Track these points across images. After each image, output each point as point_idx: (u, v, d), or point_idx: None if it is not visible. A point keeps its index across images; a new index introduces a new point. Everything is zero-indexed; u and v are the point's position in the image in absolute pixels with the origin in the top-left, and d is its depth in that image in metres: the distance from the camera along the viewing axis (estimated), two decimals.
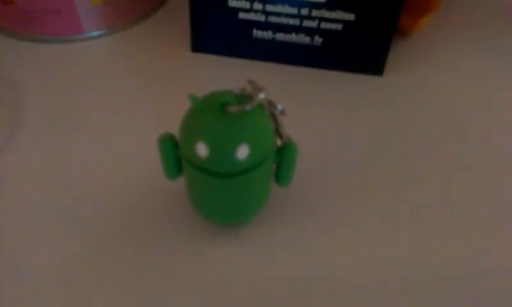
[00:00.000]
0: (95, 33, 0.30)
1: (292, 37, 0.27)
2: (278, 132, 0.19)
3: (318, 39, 0.27)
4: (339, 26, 0.26)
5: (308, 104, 0.26)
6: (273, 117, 0.18)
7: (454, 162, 0.23)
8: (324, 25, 0.27)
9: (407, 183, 0.22)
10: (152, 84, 0.27)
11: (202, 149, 0.16)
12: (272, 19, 0.27)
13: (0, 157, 0.23)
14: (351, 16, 0.26)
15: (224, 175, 0.17)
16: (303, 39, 0.27)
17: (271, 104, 0.18)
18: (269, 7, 0.26)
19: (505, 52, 0.30)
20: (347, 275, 0.19)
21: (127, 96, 0.26)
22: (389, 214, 0.21)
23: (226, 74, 0.28)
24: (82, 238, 0.20)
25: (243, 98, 0.16)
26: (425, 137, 0.25)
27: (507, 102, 0.27)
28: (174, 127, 0.24)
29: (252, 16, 0.27)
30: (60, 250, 0.20)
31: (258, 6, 0.26)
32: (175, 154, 0.18)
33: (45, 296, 0.18)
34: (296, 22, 0.27)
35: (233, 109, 0.16)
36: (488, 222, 0.21)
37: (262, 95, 0.16)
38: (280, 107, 0.18)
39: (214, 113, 0.16)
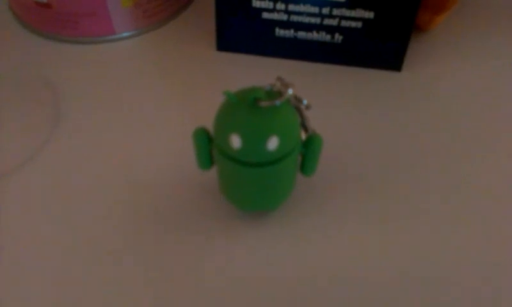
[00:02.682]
0: (126, 34, 0.31)
1: (314, 35, 0.29)
2: (304, 126, 0.20)
3: (338, 37, 0.28)
4: (359, 24, 0.28)
5: (329, 99, 0.27)
6: (299, 111, 0.20)
7: (471, 159, 0.24)
8: (344, 23, 0.28)
9: (426, 178, 0.24)
10: (180, 82, 0.29)
11: (236, 141, 0.17)
12: (295, 18, 0.28)
13: (40, 153, 0.25)
14: (370, 14, 0.27)
15: (255, 165, 0.18)
16: (324, 37, 0.28)
17: (298, 99, 0.19)
18: (292, 7, 0.28)
19: None
20: (364, 265, 0.20)
21: (157, 93, 0.28)
22: (410, 209, 0.22)
23: (250, 72, 0.29)
24: (124, 221, 0.22)
25: (273, 93, 0.18)
26: (443, 132, 0.26)
27: None
28: (203, 121, 0.26)
29: (275, 16, 0.28)
30: (108, 235, 0.21)
31: (281, 6, 0.28)
32: (208, 146, 0.20)
33: (95, 266, 0.20)
34: (317, 20, 0.28)
35: (264, 104, 0.17)
36: (498, 223, 0.22)
37: (290, 91, 0.17)
38: (305, 102, 0.19)
39: (247, 108, 0.17)
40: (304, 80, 0.29)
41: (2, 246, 0.21)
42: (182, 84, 0.28)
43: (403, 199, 0.23)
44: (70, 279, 0.20)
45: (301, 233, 0.21)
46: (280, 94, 0.18)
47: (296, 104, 0.19)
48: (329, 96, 0.28)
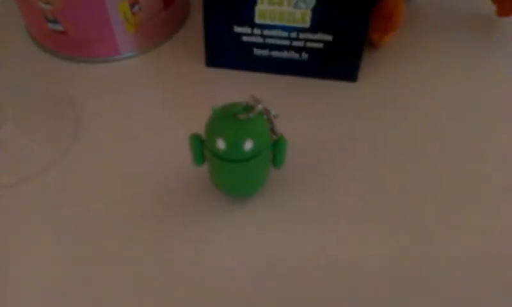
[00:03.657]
0: (129, 54, 0.38)
1: (285, 54, 0.35)
2: (273, 130, 0.26)
3: (304, 55, 0.35)
4: (321, 45, 0.34)
5: (298, 105, 0.34)
6: (269, 119, 0.26)
7: (415, 154, 0.31)
8: (308, 44, 0.34)
9: (378, 170, 0.30)
10: (176, 93, 0.35)
11: (221, 143, 0.24)
12: (269, 41, 0.34)
13: (63, 160, 0.31)
14: (329, 37, 0.34)
15: (235, 161, 0.25)
16: (293, 55, 0.35)
17: (267, 110, 0.26)
18: (266, 32, 0.34)
19: (456, 58, 0.37)
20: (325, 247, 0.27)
21: (157, 103, 0.34)
22: (362, 200, 0.29)
23: (233, 83, 0.36)
24: (134, 207, 0.28)
25: (248, 108, 0.24)
26: (391, 131, 0.32)
27: (461, 102, 0.34)
28: (196, 125, 0.32)
29: (253, 39, 0.35)
30: (126, 221, 0.28)
31: (257, 31, 0.34)
32: (200, 147, 0.26)
33: (109, 253, 0.26)
34: (287, 42, 0.34)
35: (241, 116, 0.24)
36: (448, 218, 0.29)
37: (260, 106, 0.24)
38: (273, 112, 0.26)
39: (228, 119, 0.24)
40: (278, 90, 0.35)
41: (23, 246, 0.27)
42: (177, 95, 0.35)
43: (352, 192, 0.29)
44: (73, 273, 0.27)
45: (274, 212, 0.28)
46: (252, 108, 0.24)
47: (266, 114, 0.26)
48: (298, 103, 0.34)
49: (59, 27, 0.35)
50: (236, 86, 0.35)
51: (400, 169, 0.30)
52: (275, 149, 0.26)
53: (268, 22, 0.33)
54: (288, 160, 0.30)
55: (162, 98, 0.35)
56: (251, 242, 0.27)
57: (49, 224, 0.28)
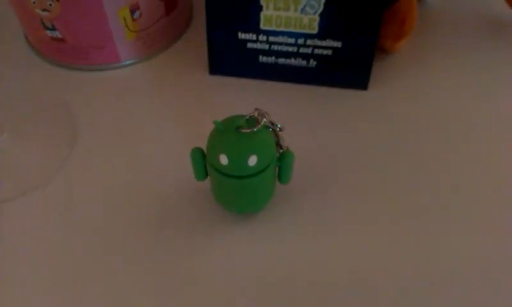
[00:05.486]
0: (130, 61, 0.36)
1: (291, 61, 0.33)
2: (278, 144, 0.25)
3: (312, 62, 0.33)
4: (329, 51, 0.32)
5: (305, 115, 0.32)
6: (275, 133, 0.25)
7: (427, 168, 0.29)
8: (316, 51, 0.33)
9: (388, 183, 0.29)
10: (178, 102, 0.33)
11: (224, 159, 0.22)
12: (275, 47, 0.33)
13: (61, 171, 0.30)
14: (338, 44, 0.32)
15: (239, 177, 0.23)
16: (300, 62, 0.33)
17: (273, 124, 0.24)
18: (272, 39, 0.32)
19: (475, 65, 0.35)
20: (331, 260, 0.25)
21: (158, 113, 0.33)
22: (373, 214, 0.27)
23: (238, 92, 0.34)
24: (132, 219, 0.27)
25: (252, 121, 0.23)
26: (404, 143, 0.31)
27: (478, 111, 0.32)
28: (198, 137, 0.31)
29: (258, 46, 0.33)
30: (123, 230, 0.26)
31: (263, 37, 0.33)
32: (202, 162, 0.25)
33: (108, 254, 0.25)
34: (294, 49, 0.33)
35: (244, 130, 0.22)
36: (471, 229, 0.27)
37: (265, 119, 0.22)
38: (279, 125, 0.24)
39: (231, 133, 0.22)
40: (285, 99, 0.34)
41: (23, 254, 0.26)
42: (179, 105, 0.33)
43: (366, 205, 0.28)
44: (73, 279, 0.25)
45: (279, 231, 0.26)
46: (257, 121, 0.22)
47: (272, 127, 0.24)
48: (305, 112, 0.32)
49: (57, 34, 0.34)
50: (241, 95, 0.34)
51: (414, 182, 0.28)
52: (281, 164, 0.25)
53: (274, 28, 0.32)
54: (296, 174, 0.29)
55: (164, 107, 0.33)
56: (257, 261, 0.25)
57: (52, 233, 0.26)
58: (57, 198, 0.28)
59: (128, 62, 0.36)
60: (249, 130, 0.22)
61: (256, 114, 0.23)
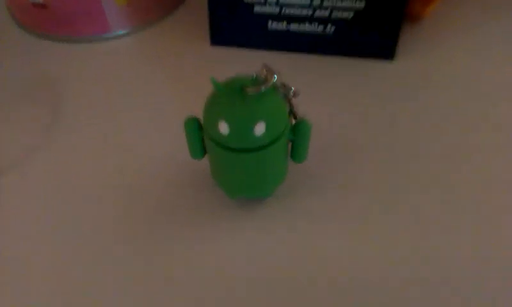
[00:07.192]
0: (121, 32, 0.32)
1: (306, 27, 0.29)
2: (292, 112, 0.20)
3: (330, 28, 0.29)
4: (350, 14, 0.28)
5: (323, 89, 0.28)
6: (288, 99, 0.20)
7: (461, 148, 0.25)
8: (335, 14, 0.28)
9: (413, 163, 0.24)
10: (176, 77, 0.29)
11: (224, 128, 0.18)
12: (286, 11, 0.28)
13: (42, 146, 0.26)
14: (361, 4, 0.27)
15: (243, 150, 0.18)
16: (316, 28, 0.29)
17: (285, 87, 0.19)
18: (283, 0, 0.28)
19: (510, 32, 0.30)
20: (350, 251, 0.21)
21: (153, 88, 0.28)
22: (397, 195, 0.23)
23: (243, 65, 0.30)
24: (127, 202, 0.22)
25: (259, 81, 0.18)
26: (435, 117, 0.26)
27: None
28: (197, 113, 0.26)
29: (267, 9, 0.29)
30: (114, 212, 0.22)
31: None
32: (199, 135, 0.20)
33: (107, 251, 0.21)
34: (309, 12, 0.28)
35: (250, 90, 0.17)
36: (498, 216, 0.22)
37: (275, 77, 0.18)
38: (293, 89, 0.19)
39: (234, 95, 0.18)
40: (298, 72, 0.29)
41: (3, 243, 0.22)
42: (177, 79, 0.29)
43: (394, 188, 0.23)
44: (67, 269, 0.21)
45: (294, 223, 0.22)
46: (265, 81, 0.18)
47: (284, 92, 0.19)
48: (323, 87, 0.28)
49: (38, 0, 0.30)
50: (246, 69, 0.29)
51: (447, 160, 0.23)
52: (296, 136, 0.20)
53: None
54: (311, 155, 0.24)
55: (159, 82, 0.29)
56: (258, 259, 0.21)
57: (26, 222, 0.22)
58: (42, 176, 0.24)
59: (118, 32, 0.32)
60: (256, 90, 0.17)
61: (264, 72, 0.18)
